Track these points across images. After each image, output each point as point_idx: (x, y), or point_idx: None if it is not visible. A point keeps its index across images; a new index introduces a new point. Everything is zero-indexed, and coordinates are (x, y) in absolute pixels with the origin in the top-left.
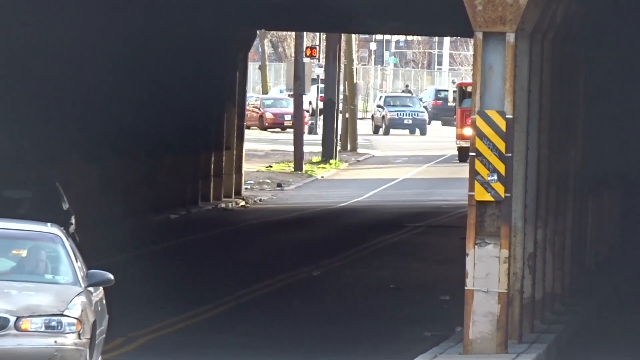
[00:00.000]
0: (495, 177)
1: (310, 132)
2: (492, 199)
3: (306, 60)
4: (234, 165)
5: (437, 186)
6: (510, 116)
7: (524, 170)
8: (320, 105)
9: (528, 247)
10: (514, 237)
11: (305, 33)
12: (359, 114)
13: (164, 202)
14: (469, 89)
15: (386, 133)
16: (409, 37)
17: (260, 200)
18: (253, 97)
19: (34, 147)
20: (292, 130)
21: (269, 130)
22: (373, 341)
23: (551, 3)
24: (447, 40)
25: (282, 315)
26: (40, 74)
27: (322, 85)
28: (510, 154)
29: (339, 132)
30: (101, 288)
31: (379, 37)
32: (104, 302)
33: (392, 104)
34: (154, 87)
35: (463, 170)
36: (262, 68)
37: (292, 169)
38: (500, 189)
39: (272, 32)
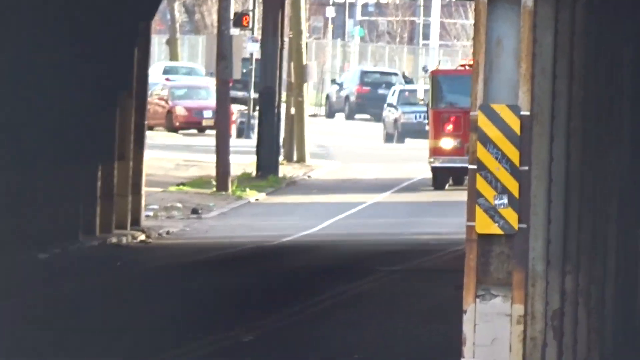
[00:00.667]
0: (506, 201)
1: (240, 136)
2: (501, 232)
3: (235, 31)
4: (131, 183)
5: (422, 213)
6: (527, 113)
7: (547, 190)
8: (256, 96)
9: (552, 301)
10: (532, 286)
11: None
12: (310, 109)
13: (29, 234)
14: (447, 81)
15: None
16: None
17: (167, 232)
18: (159, 84)
19: None
20: (213, 132)
21: (180, 132)
22: None
23: None
24: (436, 3)
25: None
26: None
27: (258, 68)
28: (526, 167)
29: (282, 135)
30: None
31: None
32: None
33: (406, 101)
34: (13, 72)
35: (457, 194)
36: (172, 43)
37: (214, 189)
38: (512, 217)
39: None
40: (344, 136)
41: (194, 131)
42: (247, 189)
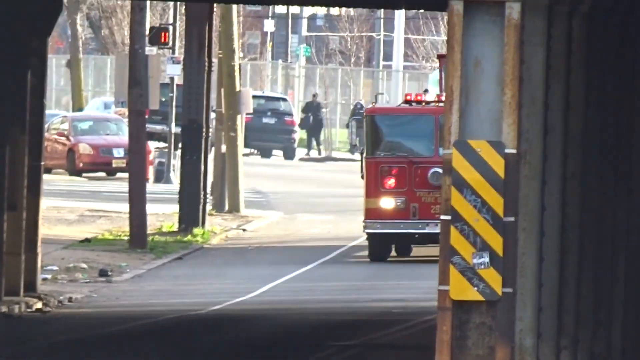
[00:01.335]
0: (487, 260)
1: (159, 180)
2: (481, 298)
3: (151, 50)
4: (24, 239)
5: (384, 274)
6: (514, 151)
7: (538, 246)
8: (178, 131)
9: None
10: None
11: (148, 0)
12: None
13: None
14: (388, 121)
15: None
16: (334, 10)
17: (70, 300)
18: (58, 116)
19: None
20: (126, 176)
21: (85, 175)
22: None
23: None
24: (400, 15)
25: None
26: None
27: (181, 96)
28: (512, 218)
29: (210, 179)
30: None
31: (279, 9)
32: None
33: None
34: None
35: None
36: (74, 64)
37: (127, 245)
38: (494, 280)
39: None
40: (284, 180)
41: (102, 174)
42: (168, 246)
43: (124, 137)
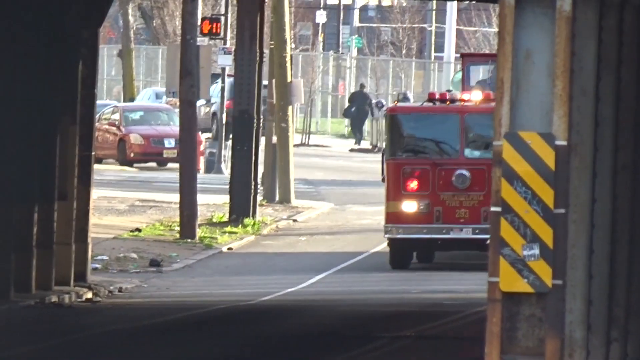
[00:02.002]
0: (537, 251)
1: (209, 170)
2: (531, 290)
3: (202, 41)
4: (74, 228)
5: (435, 264)
6: (564, 143)
7: (588, 238)
8: (229, 121)
9: None
10: (570, 357)
11: None
12: (296, 137)
13: None
14: (410, 121)
15: None
16: (385, 1)
17: (120, 290)
18: (109, 106)
19: None
20: (177, 166)
21: (136, 165)
22: None
23: None
24: (452, 6)
25: None
26: None
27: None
28: (563, 210)
29: (261, 170)
30: None
31: (331, 0)
32: None
33: None
34: None
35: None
36: (125, 55)
37: (177, 235)
38: (544, 271)
39: None
40: (334, 170)
41: (153, 164)
42: (218, 236)
43: (174, 127)
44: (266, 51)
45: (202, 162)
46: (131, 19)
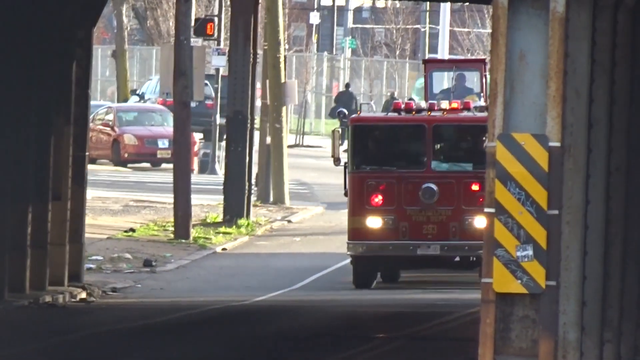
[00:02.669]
0: (530, 252)
1: (203, 171)
2: (525, 291)
3: (196, 42)
4: (68, 229)
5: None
6: (558, 144)
7: (582, 239)
8: (223, 122)
9: None
10: (563, 358)
11: None
12: (290, 138)
13: None
14: (375, 132)
15: None
16: (379, 2)
17: (114, 290)
18: (103, 106)
19: None
20: (171, 166)
21: (130, 165)
22: None
23: None
24: (445, 7)
25: None
26: None
27: (226, 87)
28: (556, 211)
29: (255, 170)
30: None
31: (325, 1)
32: None
33: None
34: None
35: None
36: (119, 55)
37: (171, 236)
38: (538, 272)
39: None
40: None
41: (147, 165)
42: (212, 237)
43: (168, 128)
44: (260, 52)
45: (196, 163)
46: (125, 19)
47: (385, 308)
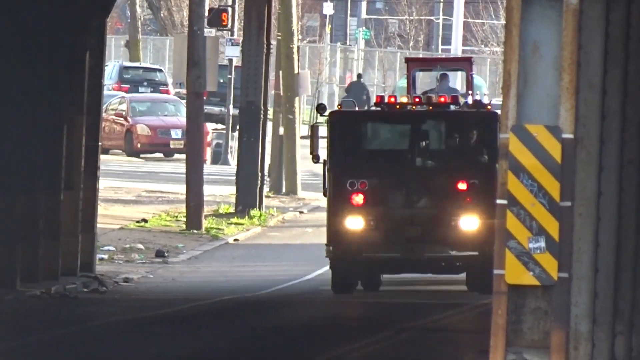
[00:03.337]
0: (543, 244)
1: (216, 161)
2: (537, 283)
3: (210, 32)
4: (81, 219)
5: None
6: (571, 136)
7: (594, 231)
8: (236, 112)
9: None
10: (575, 349)
11: None
12: (303, 129)
13: None
14: (355, 125)
15: None
16: None
17: (126, 280)
18: (116, 96)
19: None
20: (183, 157)
21: (142, 156)
22: None
23: None
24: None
25: None
26: None
27: (239, 78)
28: (569, 203)
29: (268, 161)
30: None
31: None
32: None
33: None
34: None
35: None
36: (132, 45)
37: (183, 226)
38: (550, 264)
39: None
40: None
41: (159, 155)
42: (225, 227)
43: (181, 118)
44: (273, 42)
45: (208, 153)
46: (138, 9)
47: (398, 299)
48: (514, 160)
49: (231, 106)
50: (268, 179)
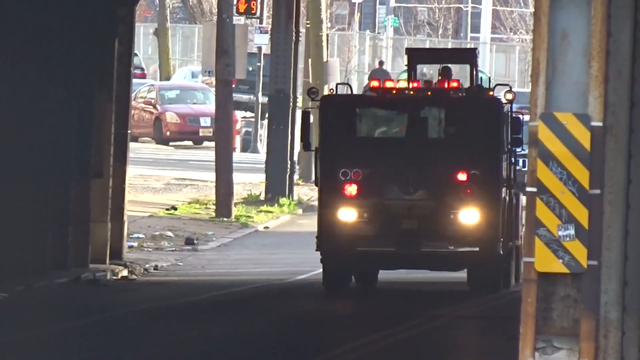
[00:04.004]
0: (572, 232)
1: (245, 149)
2: (567, 270)
3: (239, 20)
4: (110, 206)
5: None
6: (600, 124)
7: (624, 219)
8: (265, 100)
9: (629, 357)
10: (605, 337)
11: None
12: None
13: None
14: (348, 112)
15: None
16: None
17: (155, 268)
18: (145, 84)
19: None
20: (212, 145)
21: (172, 143)
22: None
23: None
24: None
25: None
26: None
27: (268, 66)
28: (598, 191)
29: (297, 149)
30: None
31: None
32: None
33: None
34: None
35: None
36: (161, 33)
37: (213, 214)
38: (580, 252)
39: None
40: None
41: (189, 143)
42: (254, 215)
43: (210, 106)
44: (302, 30)
45: (238, 141)
46: None
47: (428, 286)
48: (543, 148)
49: (260, 94)
50: (297, 167)
